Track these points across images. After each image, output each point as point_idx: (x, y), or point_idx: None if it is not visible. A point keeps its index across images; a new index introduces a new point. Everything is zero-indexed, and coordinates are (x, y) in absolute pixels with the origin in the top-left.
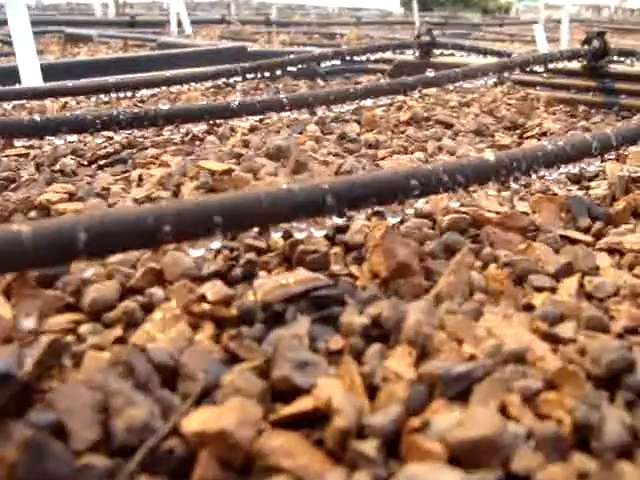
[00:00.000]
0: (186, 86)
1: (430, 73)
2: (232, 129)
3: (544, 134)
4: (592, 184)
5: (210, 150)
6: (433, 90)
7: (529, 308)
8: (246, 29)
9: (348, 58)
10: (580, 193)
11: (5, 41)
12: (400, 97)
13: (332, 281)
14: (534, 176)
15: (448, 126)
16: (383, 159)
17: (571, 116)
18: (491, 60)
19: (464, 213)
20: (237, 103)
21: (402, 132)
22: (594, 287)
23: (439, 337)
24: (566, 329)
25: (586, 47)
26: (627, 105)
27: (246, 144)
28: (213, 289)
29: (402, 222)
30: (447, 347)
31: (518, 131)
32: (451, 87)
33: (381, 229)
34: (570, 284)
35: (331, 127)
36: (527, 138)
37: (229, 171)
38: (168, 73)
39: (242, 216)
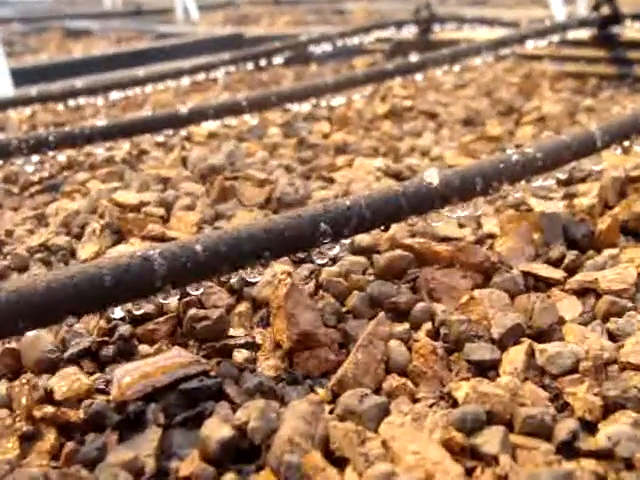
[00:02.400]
0: (162, 84)
1: (413, 57)
2: (187, 137)
3: (542, 119)
4: (581, 188)
5: (144, 171)
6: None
7: (451, 401)
8: (253, 11)
9: (339, 41)
10: (562, 205)
11: None
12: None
13: (211, 364)
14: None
15: (432, 116)
16: (339, 169)
17: (578, 92)
18: (490, 35)
19: (408, 248)
20: (187, 110)
21: (378, 128)
22: (547, 359)
23: (313, 460)
24: (491, 439)
25: (595, 14)
26: None
27: (185, 161)
28: (65, 381)
29: (334, 261)
30: (322, 477)
31: (514, 116)
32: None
33: (286, 286)
34: (516, 356)
35: (298, 128)
36: (523, 125)
37: (140, 206)
38: (141, 72)
39: (89, 298)
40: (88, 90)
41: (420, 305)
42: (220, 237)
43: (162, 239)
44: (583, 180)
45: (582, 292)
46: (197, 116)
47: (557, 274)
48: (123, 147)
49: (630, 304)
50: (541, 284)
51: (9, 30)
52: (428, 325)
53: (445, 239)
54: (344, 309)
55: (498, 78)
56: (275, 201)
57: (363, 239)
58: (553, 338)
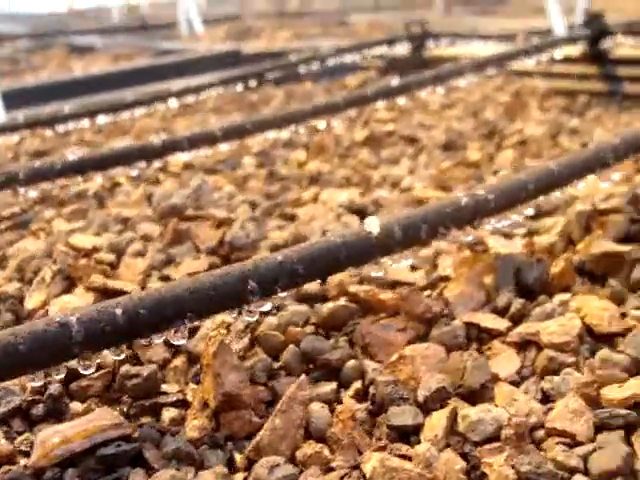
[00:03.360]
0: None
1: (394, 80)
2: (162, 169)
3: (523, 142)
4: (547, 222)
5: (109, 209)
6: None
7: (362, 474)
8: (256, 25)
9: (331, 61)
10: (521, 243)
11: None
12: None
13: (133, 427)
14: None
15: (412, 141)
16: (304, 205)
17: (566, 111)
18: (484, 50)
19: (353, 296)
20: (160, 142)
21: (355, 156)
22: (468, 426)
23: None
24: None
25: (584, 30)
26: (631, 93)
27: (150, 198)
28: None
29: (278, 309)
30: None
31: (497, 139)
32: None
33: (214, 344)
34: (439, 421)
35: (273, 156)
36: (504, 149)
37: (93, 251)
38: (129, 96)
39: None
40: (75, 115)
41: (351, 363)
42: (141, 299)
43: (104, 291)
44: (550, 213)
45: (523, 345)
46: (170, 147)
47: (501, 324)
48: (97, 180)
49: (570, 359)
50: (485, 335)
51: (16, 46)
52: (358, 384)
53: (396, 284)
54: (277, 365)
55: (487, 97)
56: (228, 245)
57: (311, 286)
58: (485, 399)
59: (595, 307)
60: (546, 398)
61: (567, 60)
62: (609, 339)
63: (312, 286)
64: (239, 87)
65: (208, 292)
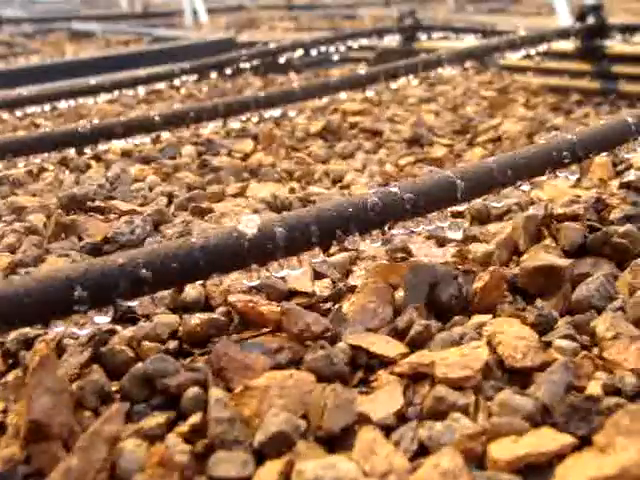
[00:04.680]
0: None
1: (361, 71)
2: (96, 156)
3: (497, 139)
4: (492, 228)
5: (17, 196)
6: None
7: None
8: (262, 16)
9: (314, 50)
10: (451, 252)
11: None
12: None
13: None
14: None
15: (375, 135)
16: (223, 199)
17: (554, 109)
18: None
19: (231, 306)
20: (89, 127)
21: (306, 148)
22: None
23: None
24: None
25: (579, 24)
26: (625, 92)
27: (60, 185)
28: None
29: (148, 317)
30: None
31: (470, 135)
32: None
33: (36, 358)
34: (269, 475)
35: (218, 146)
36: (475, 145)
37: None
38: (93, 81)
39: None
40: (36, 99)
41: (191, 391)
42: None
43: None
44: (500, 217)
45: (415, 378)
46: (102, 134)
47: (393, 350)
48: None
49: (463, 400)
50: (375, 362)
51: (17, 31)
52: (196, 418)
53: (293, 293)
54: (115, 388)
55: (472, 91)
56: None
57: (190, 292)
58: (345, 447)
59: (511, 334)
60: (422, 451)
61: (561, 56)
62: (524, 375)
63: (191, 292)
64: (213, 75)
65: (22, 300)
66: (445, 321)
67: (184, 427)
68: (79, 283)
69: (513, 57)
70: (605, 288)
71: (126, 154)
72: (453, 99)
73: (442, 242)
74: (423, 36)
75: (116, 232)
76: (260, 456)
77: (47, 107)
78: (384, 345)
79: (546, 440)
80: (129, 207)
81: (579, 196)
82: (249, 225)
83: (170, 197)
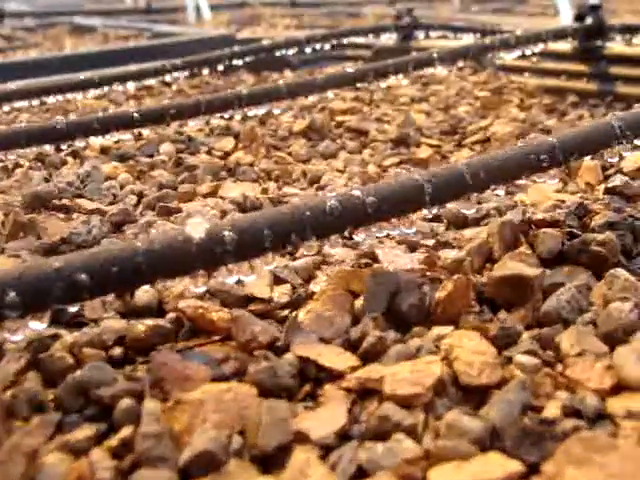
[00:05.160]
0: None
1: (349, 69)
2: (74, 152)
3: (486, 141)
4: (468, 232)
5: None
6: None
7: None
8: (265, 13)
9: (308, 47)
10: (420, 258)
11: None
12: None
13: None
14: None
15: (361, 134)
16: (193, 199)
17: (548, 111)
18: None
19: (181, 312)
20: (65, 123)
21: (288, 147)
22: None
23: None
24: None
25: (576, 24)
26: (623, 94)
27: (21, 186)
28: None
29: (96, 322)
30: None
31: (458, 136)
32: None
33: None
34: None
35: (198, 144)
36: (463, 147)
37: None
38: (82, 75)
39: None
40: (23, 93)
41: (124, 403)
42: None
43: None
44: (477, 222)
45: (363, 394)
46: (79, 130)
47: (343, 363)
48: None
49: (410, 420)
50: (325, 376)
51: (20, 24)
52: (128, 431)
53: (249, 299)
54: (51, 397)
55: (465, 91)
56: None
57: (142, 296)
58: (279, 467)
59: (469, 349)
60: (361, 474)
61: (558, 57)
62: (481, 394)
63: (144, 296)
64: (206, 71)
65: None
66: (405, 332)
67: (114, 441)
68: (13, 287)
69: (508, 57)
70: (577, 300)
71: (105, 151)
72: (445, 99)
73: (414, 247)
74: (421, 35)
75: (72, 232)
76: (186, 475)
77: (35, 102)
78: (334, 357)
79: (492, 466)
80: (95, 206)
81: (563, 201)
82: (197, 229)
83: (140, 196)
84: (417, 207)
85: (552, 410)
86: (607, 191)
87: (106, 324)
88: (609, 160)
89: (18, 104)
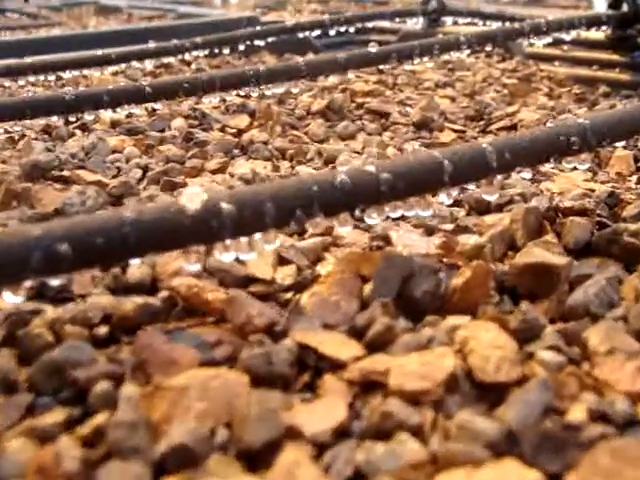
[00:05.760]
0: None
1: (372, 49)
2: (83, 125)
3: (512, 127)
4: (491, 219)
5: None
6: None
7: None
8: None
9: (332, 30)
10: (436, 243)
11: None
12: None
13: None
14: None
15: (382, 116)
16: (200, 175)
17: (578, 101)
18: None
19: (174, 291)
20: (74, 94)
21: (305, 126)
22: None
23: None
24: None
25: (610, 11)
26: None
27: (23, 156)
28: None
29: (83, 297)
30: None
31: (484, 122)
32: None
33: None
34: None
35: (212, 121)
36: (487, 133)
37: None
38: (100, 52)
39: None
40: (39, 68)
41: (101, 386)
42: None
43: None
44: (500, 208)
45: (366, 387)
46: (87, 102)
47: (347, 352)
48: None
49: (416, 418)
50: (325, 365)
51: (45, 4)
52: (102, 418)
53: (250, 280)
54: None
55: (493, 78)
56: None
57: (134, 272)
58: (268, 464)
59: (486, 342)
60: (358, 477)
61: (591, 45)
62: (498, 392)
63: (136, 272)
64: (226, 50)
65: None
66: (417, 321)
67: (86, 428)
68: None
69: (539, 44)
70: (606, 293)
71: (115, 125)
72: (472, 85)
73: (431, 232)
74: (448, 20)
75: (66, 203)
76: (161, 469)
77: (52, 77)
78: (337, 345)
79: (508, 475)
80: (96, 178)
81: (592, 190)
82: (192, 199)
83: (145, 170)
84: (435, 187)
85: (577, 414)
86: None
87: (93, 300)
88: None
89: (33, 78)
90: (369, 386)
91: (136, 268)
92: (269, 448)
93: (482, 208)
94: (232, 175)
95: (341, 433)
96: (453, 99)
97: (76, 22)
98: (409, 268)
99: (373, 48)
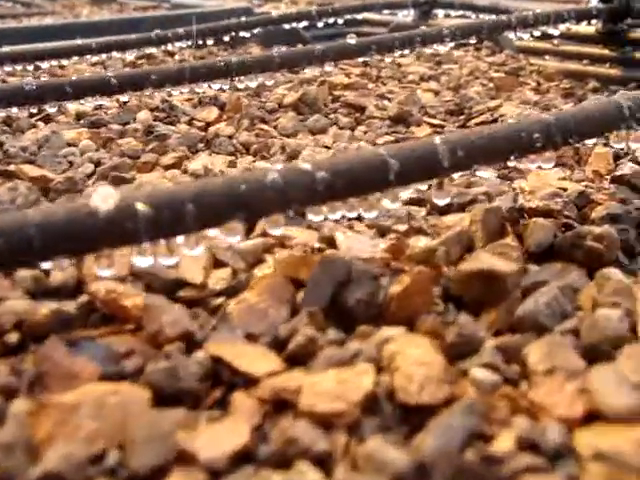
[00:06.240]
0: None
1: (351, 40)
2: (46, 117)
3: (494, 122)
4: (450, 219)
5: None
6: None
7: None
8: None
9: (320, 21)
10: (382, 247)
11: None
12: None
13: None
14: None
15: (357, 110)
16: (152, 170)
17: (565, 95)
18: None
19: (93, 296)
20: (35, 84)
21: (275, 120)
22: None
23: None
24: None
25: (601, 5)
26: None
27: None
28: None
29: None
30: None
31: (464, 116)
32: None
33: None
34: None
35: (179, 113)
36: (467, 128)
37: None
38: (80, 41)
39: None
40: (17, 57)
41: None
42: None
43: None
44: (463, 208)
45: (278, 406)
46: (49, 93)
47: (263, 367)
48: None
49: (323, 445)
50: (239, 380)
51: None
52: None
53: (178, 284)
54: None
55: (480, 72)
56: None
57: (57, 274)
58: None
59: (412, 358)
60: None
61: (581, 39)
62: (422, 414)
63: (58, 275)
64: (210, 42)
65: None
66: (349, 332)
67: None
68: None
69: (526, 37)
70: (559, 302)
71: (81, 117)
72: (457, 79)
73: (384, 233)
74: (441, 13)
75: None
76: None
77: (30, 67)
78: (253, 359)
79: None
80: (40, 173)
81: (565, 189)
82: (104, 199)
83: (97, 165)
84: (380, 187)
85: (504, 442)
86: (613, 180)
87: (6, 305)
88: (615, 146)
89: (10, 68)
90: (282, 405)
91: (59, 270)
92: (157, 474)
93: (443, 208)
94: (186, 171)
95: (243, 458)
96: (437, 93)
97: (69, 11)
98: (345, 274)
99: (352, 40)
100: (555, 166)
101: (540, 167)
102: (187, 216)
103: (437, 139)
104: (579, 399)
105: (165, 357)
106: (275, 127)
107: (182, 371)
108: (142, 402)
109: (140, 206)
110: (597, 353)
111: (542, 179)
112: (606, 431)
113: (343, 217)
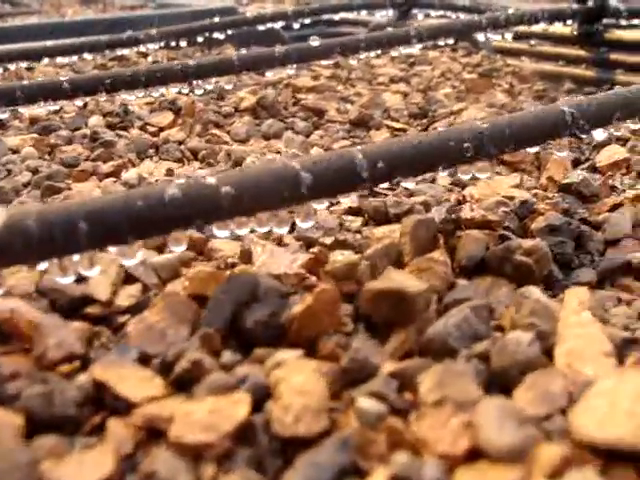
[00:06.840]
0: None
1: (314, 42)
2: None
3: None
4: (380, 231)
5: None
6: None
7: None
8: None
9: (296, 21)
10: (300, 262)
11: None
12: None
13: None
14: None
15: (317, 114)
16: (89, 179)
17: (537, 98)
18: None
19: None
20: None
21: (231, 124)
22: None
23: None
24: None
25: (576, 5)
26: (621, 82)
27: None
28: None
29: None
30: None
31: (426, 120)
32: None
33: None
34: None
35: (133, 118)
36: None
37: None
38: (49, 43)
39: None
40: None
41: None
42: None
43: None
44: (399, 218)
45: (151, 435)
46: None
47: (144, 391)
48: None
49: (164, 477)
50: (121, 405)
51: None
52: None
53: (84, 301)
54: None
55: (452, 73)
56: None
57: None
58: None
59: (295, 385)
60: None
61: (557, 40)
62: (299, 447)
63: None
64: (183, 43)
65: None
66: (245, 355)
67: None
68: None
69: (498, 38)
70: (470, 324)
71: (34, 122)
72: (428, 80)
73: (310, 245)
74: (420, 15)
75: None
76: None
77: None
78: (136, 383)
79: None
80: None
81: (512, 198)
82: None
83: (35, 173)
84: (290, 201)
85: (378, 479)
86: (561, 189)
87: None
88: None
89: None
90: (157, 434)
91: None
92: None
93: (381, 217)
94: (121, 180)
95: None
96: (405, 95)
97: (55, 11)
98: (250, 292)
99: (315, 42)
100: (514, 171)
101: (498, 173)
102: (79, 235)
103: (356, 150)
104: (465, 434)
105: (41, 381)
106: (228, 132)
107: (58, 396)
108: (13, 429)
109: (31, 223)
110: (507, 379)
111: (492, 186)
112: (488, 471)
113: (252, 231)
